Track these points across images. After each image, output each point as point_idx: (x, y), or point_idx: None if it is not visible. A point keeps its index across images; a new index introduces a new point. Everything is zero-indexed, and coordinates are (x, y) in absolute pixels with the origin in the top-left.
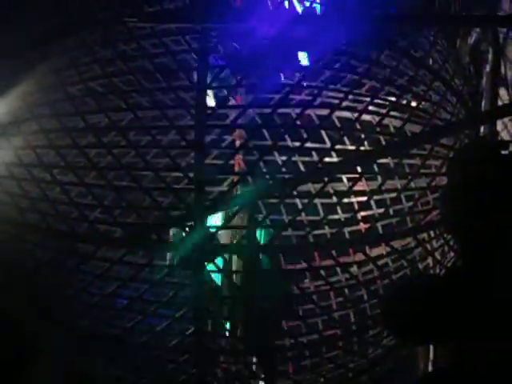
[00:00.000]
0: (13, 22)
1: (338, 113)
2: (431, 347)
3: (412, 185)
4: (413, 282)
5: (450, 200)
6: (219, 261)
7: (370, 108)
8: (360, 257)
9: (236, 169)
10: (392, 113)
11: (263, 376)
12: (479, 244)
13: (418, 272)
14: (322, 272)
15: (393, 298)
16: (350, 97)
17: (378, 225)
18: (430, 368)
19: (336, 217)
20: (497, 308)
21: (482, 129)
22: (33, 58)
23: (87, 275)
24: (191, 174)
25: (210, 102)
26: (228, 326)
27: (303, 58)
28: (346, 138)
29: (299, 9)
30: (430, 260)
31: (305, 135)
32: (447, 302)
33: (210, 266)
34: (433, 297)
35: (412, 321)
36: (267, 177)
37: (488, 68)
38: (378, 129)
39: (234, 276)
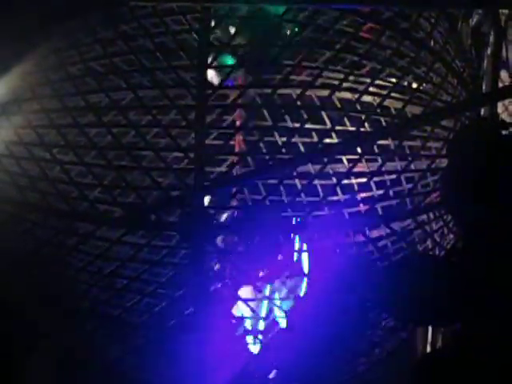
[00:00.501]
0: (14, 5)
1: (339, 94)
2: (430, 329)
3: (412, 166)
4: (411, 264)
5: (450, 182)
6: None
7: (371, 89)
8: (359, 238)
9: (236, 149)
10: (393, 94)
11: None
12: (479, 226)
13: (418, 253)
14: None
15: (391, 279)
16: (351, 78)
17: (378, 206)
18: (429, 350)
19: (335, 198)
20: (497, 291)
21: (482, 111)
22: (34, 40)
23: (87, 255)
24: (191, 154)
25: (215, 79)
26: None
27: None
28: (346, 119)
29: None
30: (429, 242)
31: (305, 116)
32: (446, 283)
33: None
34: (431, 278)
35: (411, 302)
36: (267, 157)
37: (489, 50)
38: (378, 110)
39: None
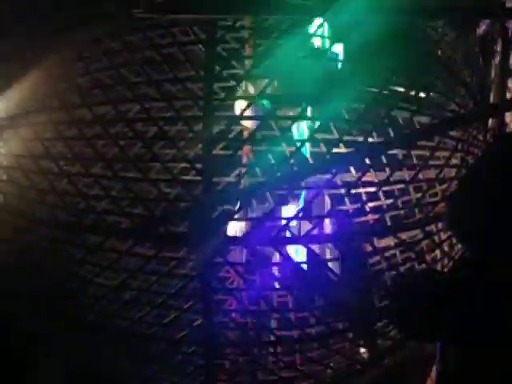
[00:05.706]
0: (13, 22)
1: None
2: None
3: (420, 176)
4: (418, 279)
5: (462, 204)
6: None
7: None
8: (368, 248)
9: (244, 160)
10: (400, 104)
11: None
12: (485, 247)
13: (425, 267)
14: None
15: (397, 295)
16: None
17: (386, 216)
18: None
19: (344, 208)
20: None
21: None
22: (41, 52)
23: (95, 267)
24: (199, 165)
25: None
26: None
27: None
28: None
29: None
30: (437, 252)
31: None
32: (452, 300)
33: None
34: (437, 294)
35: (414, 318)
36: (275, 168)
37: (497, 59)
38: (386, 120)
39: None
